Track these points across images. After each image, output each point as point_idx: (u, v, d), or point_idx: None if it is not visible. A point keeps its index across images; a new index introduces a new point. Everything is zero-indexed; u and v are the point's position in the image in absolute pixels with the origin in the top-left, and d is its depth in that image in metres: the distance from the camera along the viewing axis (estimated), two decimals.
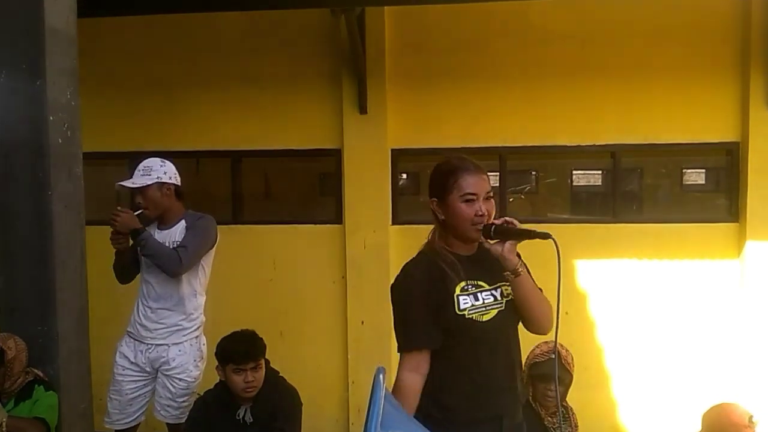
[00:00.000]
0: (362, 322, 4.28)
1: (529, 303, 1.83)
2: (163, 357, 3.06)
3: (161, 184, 3.02)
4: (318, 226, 4.43)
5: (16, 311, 2.65)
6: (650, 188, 4.56)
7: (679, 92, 4.11)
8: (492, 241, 1.79)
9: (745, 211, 4.05)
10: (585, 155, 4.38)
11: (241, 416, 2.76)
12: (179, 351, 3.06)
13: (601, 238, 4.22)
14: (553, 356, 2.55)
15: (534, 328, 1.88)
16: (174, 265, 2.94)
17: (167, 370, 3.06)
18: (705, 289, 4.14)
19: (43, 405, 2.55)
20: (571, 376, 2.59)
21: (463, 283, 1.81)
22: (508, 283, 1.86)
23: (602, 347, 4.23)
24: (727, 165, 4.22)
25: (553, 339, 2.62)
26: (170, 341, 3.06)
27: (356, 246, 4.28)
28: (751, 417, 2.42)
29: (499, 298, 1.85)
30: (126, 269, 3.15)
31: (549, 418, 2.59)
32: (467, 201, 1.79)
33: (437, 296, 1.80)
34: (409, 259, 1.92)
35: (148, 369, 3.09)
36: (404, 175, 4.56)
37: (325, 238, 4.40)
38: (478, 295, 1.82)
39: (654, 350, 4.18)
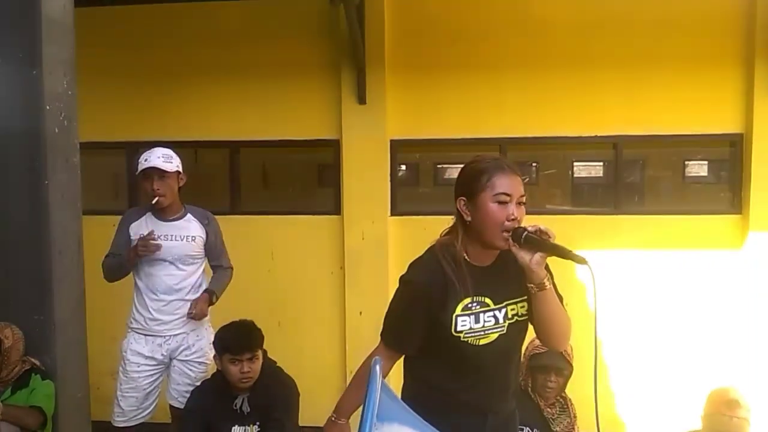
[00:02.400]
0: (360, 313, 4.28)
1: (550, 320, 1.72)
2: (183, 345, 3.12)
3: (178, 173, 3.08)
4: (316, 216, 4.42)
5: (13, 300, 2.66)
6: (652, 180, 4.52)
7: (682, 83, 4.07)
8: (520, 249, 1.66)
9: (748, 202, 4.01)
10: (587, 146, 4.34)
11: (238, 406, 2.76)
12: (197, 336, 3.15)
13: (602, 229, 4.19)
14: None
15: (550, 344, 1.79)
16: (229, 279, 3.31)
17: (187, 355, 3.13)
18: (707, 281, 4.11)
19: (40, 394, 2.56)
20: (571, 367, 2.59)
21: (467, 300, 1.71)
22: (516, 301, 1.77)
23: (602, 340, 4.22)
24: (730, 156, 4.18)
25: None
26: (188, 328, 3.13)
27: (355, 237, 4.28)
28: (736, 401, 2.45)
29: (501, 320, 1.75)
30: (125, 274, 3.16)
31: (548, 409, 2.60)
32: (500, 202, 1.67)
33: (437, 311, 1.71)
34: (420, 255, 1.81)
35: (165, 360, 3.13)
36: (403, 166, 4.54)
37: (324, 229, 4.39)
38: (480, 315, 1.72)
39: (655, 342, 4.17)
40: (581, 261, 1.57)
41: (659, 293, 4.15)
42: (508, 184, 1.69)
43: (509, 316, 1.77)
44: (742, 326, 4.07)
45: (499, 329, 1.75)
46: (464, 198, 1.73)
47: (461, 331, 1.71)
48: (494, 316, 1.74)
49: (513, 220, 1.67)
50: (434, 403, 1.70)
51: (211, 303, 3.15)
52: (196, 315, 3.05)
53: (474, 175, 1.72)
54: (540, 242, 1.63)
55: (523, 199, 1.72)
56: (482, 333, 1.73)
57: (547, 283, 1.68)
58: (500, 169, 1.71)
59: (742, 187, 4.09)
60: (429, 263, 1.77)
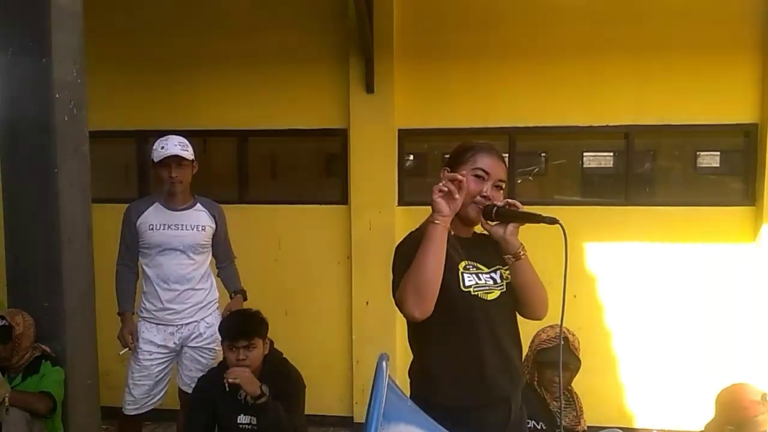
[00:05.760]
0: (367, 303, 4.29)
1: (528, 288, 1.80)
2: (195, 332, 3.17)
3: (192, 162, 3.11)
4: (324, 206, 4.41)
5: (24, 288, 2.68)
6: (663, 171, 4.44)
7: (695, 72, 4.00)
8: (492, 223, 1.78)
9: (762, 194, 3.95)
10: (597, 136, 4.29)
11: (242, 396, 2.76)
12: (207, 324, 3.19)
13: (612, 221, 4.15)
14: (561, 341, 2.55)
15: (530, 313, 1.85)
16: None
17: (198, 342, 3.17)
18: (719, 273, 4.07)
19: (50, 380, 2.60)
20: (579, 361, 2.58)
21: (464, 262, 1.79)
22: (505, 267, 1.84)
23: (611, 332, 4.20)
24: (744, 147, 4.11)
25: (557, 322, 2.65)
26: (199, 317, 3.17)
27: (362, 227, 4.27)
28: (764, 395, 2.42)
29: (499, 280, 1.82)
30: None
31: (554, 403, 2.59)
32: (477, 176, 1.78)
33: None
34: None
35: (177, 348, 3.17)
36: (411, 156, 4.52)
37: (331, 219, 4.38)
38: (480, 275, 1.80)
39: (666, 335, 4.13)
40: (552, 221, 1.64)
41: (670, 286, 4.11)
42: (489, 163, 1.79)
43: (504, 277, 1.84)
44: (754, 320, 4.03)
45: (499, 287, 1.81)
46: (448, 168, 1.83)
47: (470, 286, 1.76)
48: (491, 277, 1.81)
49: (485, 197, 1.77)
50: (452, 401, 1.70)
51: (245, 300, 3.29)
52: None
53: (462, 150, 1.84)
54: (510, 213, 1.74)
55: (502, 185, 1.81)
56: (488, 288, 1.79)
57: (522, 252, 1.78)
58: (486, 149, 1.82)
59: (756, 178, 4.02)
60: (419, 233, 1.80)
